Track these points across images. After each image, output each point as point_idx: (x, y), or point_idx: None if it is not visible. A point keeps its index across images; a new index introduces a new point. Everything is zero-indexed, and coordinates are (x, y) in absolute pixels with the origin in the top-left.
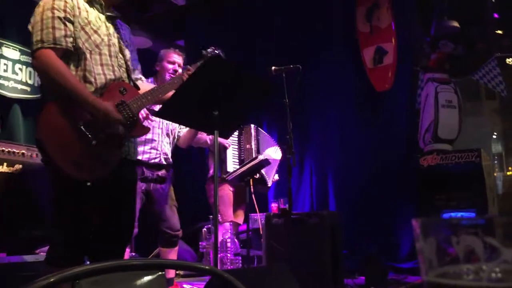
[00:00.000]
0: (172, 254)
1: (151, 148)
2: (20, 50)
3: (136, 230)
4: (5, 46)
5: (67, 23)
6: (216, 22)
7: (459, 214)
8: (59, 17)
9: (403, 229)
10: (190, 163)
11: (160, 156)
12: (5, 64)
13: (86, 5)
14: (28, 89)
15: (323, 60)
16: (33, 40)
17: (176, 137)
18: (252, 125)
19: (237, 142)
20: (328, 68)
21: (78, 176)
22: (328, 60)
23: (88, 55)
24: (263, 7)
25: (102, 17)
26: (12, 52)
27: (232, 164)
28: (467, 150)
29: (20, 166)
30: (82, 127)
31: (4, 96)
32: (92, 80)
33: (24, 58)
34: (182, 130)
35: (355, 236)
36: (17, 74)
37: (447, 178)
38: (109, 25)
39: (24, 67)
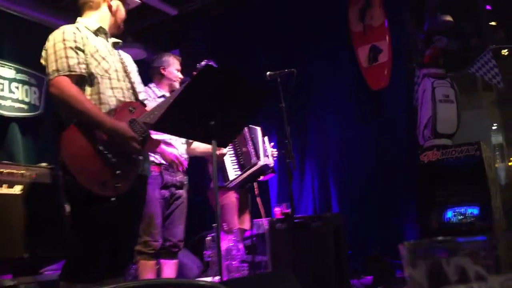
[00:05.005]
0: (172, 267)
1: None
2: (15, 69)
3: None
4: (0, 66)
5: (78, 51)
6: (209, 30)
7: (462, 209)
8: (70, 47)
9: (406, 226)
10: (192, 170)
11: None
12: (1, 83)
13: (93, 35)
14: (25, 107)
15: (317, 62)
16: (49, 71)
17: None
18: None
19: (232, 147)
20: (324, 69)
21: (103, 193)
22: (323, 62)
23: (99, 79)
24: (256, 12)
25: (108, 45)
26: (7, 71)
27: (233, 171)
28: (466, 143)
29: (21, 186)
30: (101, 147)
31: (1, 116)
32: (106, 102)
33: (19, 76)
34: None
35: (359, 236)
36: (13, 92)
37: (448, 173)
38: (114, 51)
39: (20, 85)
